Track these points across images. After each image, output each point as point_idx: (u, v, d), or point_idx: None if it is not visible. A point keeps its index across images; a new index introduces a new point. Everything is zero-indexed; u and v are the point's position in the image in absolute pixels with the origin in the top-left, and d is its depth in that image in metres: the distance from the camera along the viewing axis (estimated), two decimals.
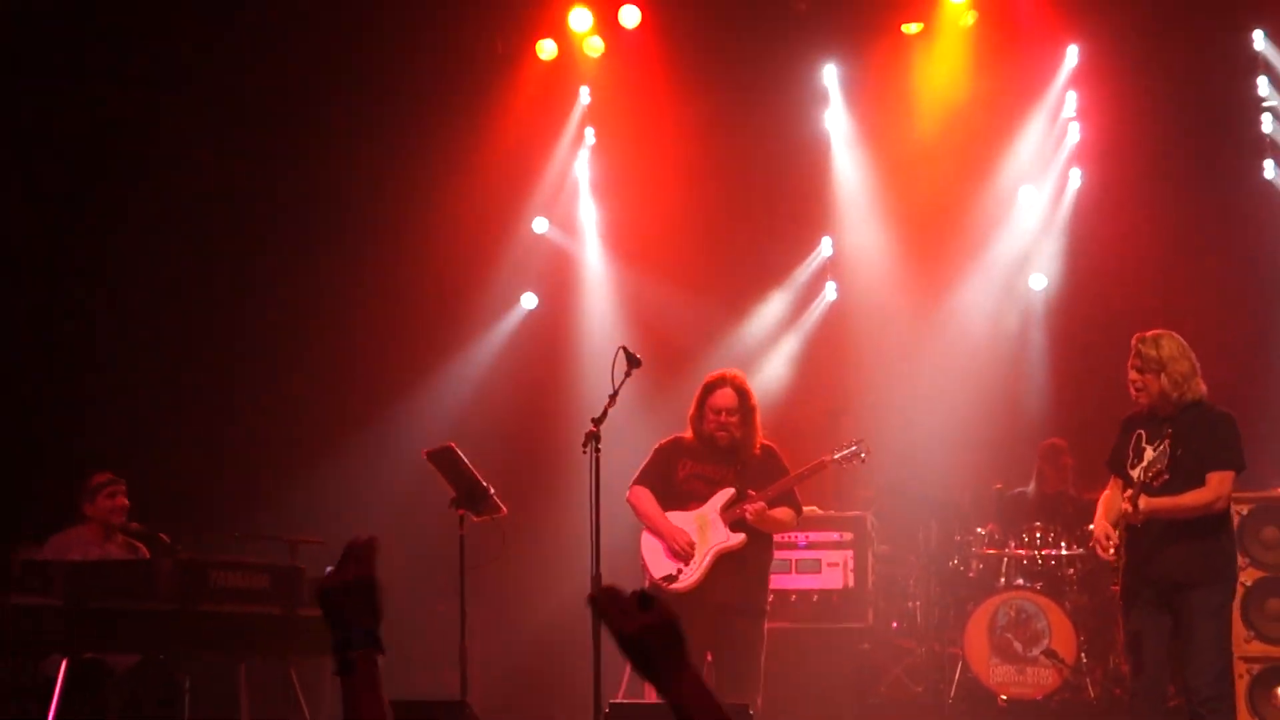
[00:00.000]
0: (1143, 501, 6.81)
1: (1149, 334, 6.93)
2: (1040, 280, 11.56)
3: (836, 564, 9.40)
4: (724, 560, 7.66)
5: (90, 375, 10.91)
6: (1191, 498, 6.80)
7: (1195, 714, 6.79)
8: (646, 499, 7.81)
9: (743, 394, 7.79)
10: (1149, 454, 6.87)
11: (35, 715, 7.42)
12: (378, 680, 2.64)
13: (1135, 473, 6.88)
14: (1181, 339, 6.93)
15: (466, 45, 11.66)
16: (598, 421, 7.09)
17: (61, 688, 7.28)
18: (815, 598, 9.38)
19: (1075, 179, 11.53)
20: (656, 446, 8.02)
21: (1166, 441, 6.84)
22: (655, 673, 2.49)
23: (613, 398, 7.18)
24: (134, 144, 11.04)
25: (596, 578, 6.75)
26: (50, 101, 10.78)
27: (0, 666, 8.14)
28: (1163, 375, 6.83)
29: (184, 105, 11.16)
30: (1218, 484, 6.81)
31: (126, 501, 8.65)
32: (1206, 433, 6.85)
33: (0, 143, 10.73)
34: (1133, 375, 6.94)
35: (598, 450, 7.00)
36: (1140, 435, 6.98)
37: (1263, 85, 11.03)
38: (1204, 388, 6.93)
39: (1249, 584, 8.40)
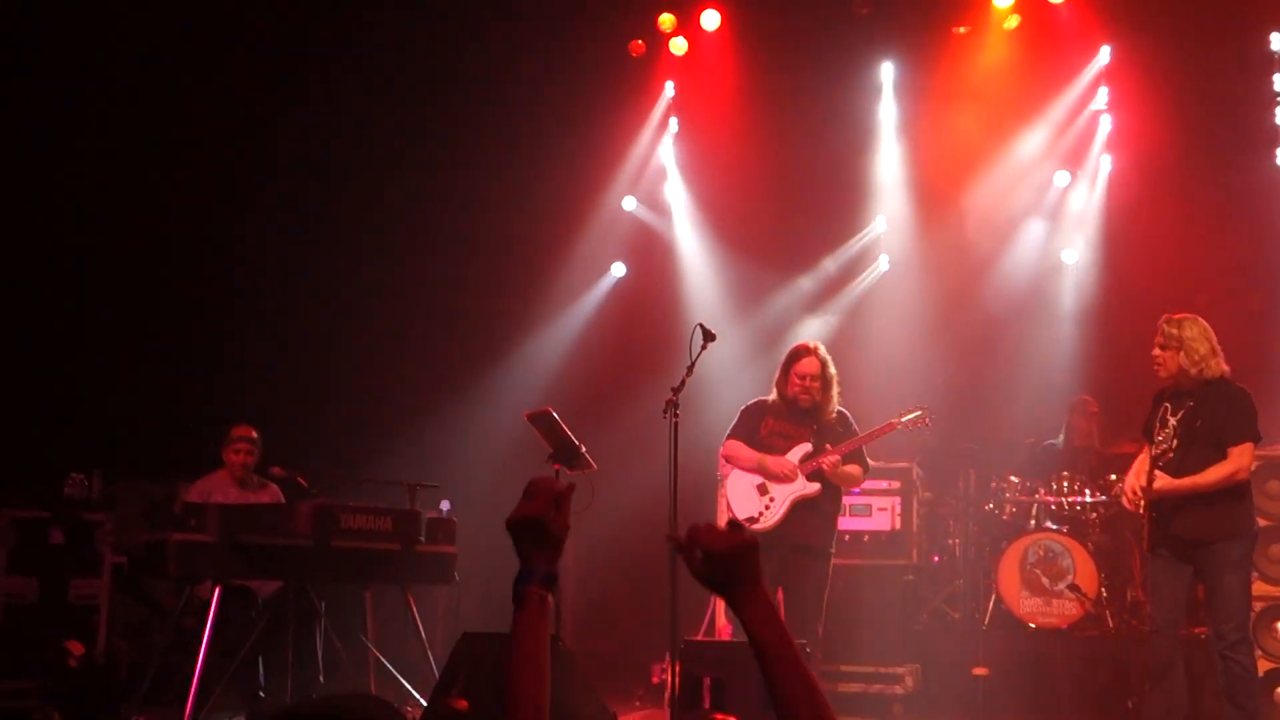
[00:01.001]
0: (1159, 482, 6.68)
1: (1175, 316, 6.79)
2: (1072, 255, 11.30)
3: (885, 509, 9.27)
4: (800, 506, 7.64)
5: (242, 343, 11.03)
6: (1211, 474, 6.61)
7: (1222, 655, 6.65)
8: (740, 447, 7.79)
9: (824, 363, 7.72)
10: (1171, 424, 6.75)
11: (194, 631, 7.55)
12: (545, 617, 2.47)
13: (1156, 449, 6.75)
14: (1205, 324, 6.75)
15: (571, 46, 11.57)
16: (676, 390, 6.94)
17: (216, 609, 7.37)
18: (866, 538, 9.25)
19: (1106, 164, 11.25)
20: (743, 409, 7.95)
21: (1177, 421, 6.73)
22: (734, 589, 2.35)
23: (690, 369, 7.01)
24: (283, 134, 11.18)
25: (673, 526, 6.63)
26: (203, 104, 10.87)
27: (166, 590, 8.39)
28: (1180, 353, 6.68)
29: (326, 106, 11.28)
30: (1237, 456, 6.63)
31: (249, 459, 8.64)
32: (1224, 407, 6.68)
33: (172, 138, 10.87)
34: (1155, 352, 6.78)
35: (676, 415, 6.85)
36: (1166, 408, 6.85)
37: (1277, 81, 10.70)
38: (1225, 368, 6.72)
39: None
